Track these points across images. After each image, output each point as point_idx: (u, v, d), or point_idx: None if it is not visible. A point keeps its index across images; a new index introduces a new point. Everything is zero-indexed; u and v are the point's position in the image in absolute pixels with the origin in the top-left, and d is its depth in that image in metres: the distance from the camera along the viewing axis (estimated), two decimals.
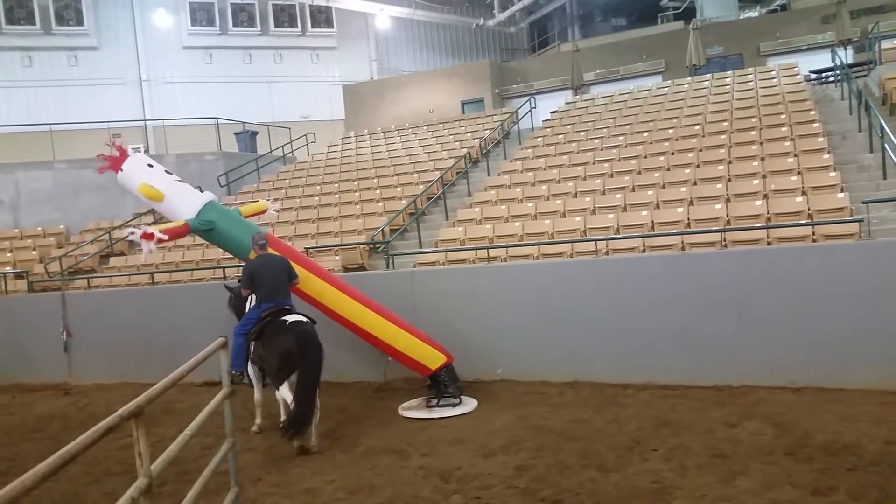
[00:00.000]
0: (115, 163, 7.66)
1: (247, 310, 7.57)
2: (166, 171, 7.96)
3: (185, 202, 7.60)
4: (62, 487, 5.98)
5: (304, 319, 6.89)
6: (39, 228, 16.80)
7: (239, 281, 7.77)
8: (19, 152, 18.96)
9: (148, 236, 6.92)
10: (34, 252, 15.41)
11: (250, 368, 7.47)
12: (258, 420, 7.53)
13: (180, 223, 7.42)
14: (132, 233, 7.01)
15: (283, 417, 7.29)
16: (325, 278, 7.96)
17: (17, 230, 16.86)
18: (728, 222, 9.30)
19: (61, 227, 16.88)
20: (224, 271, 11.37)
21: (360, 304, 7.91)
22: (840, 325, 7.15)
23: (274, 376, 6.92)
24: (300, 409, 6.49)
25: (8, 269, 14.26)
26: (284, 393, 6.79)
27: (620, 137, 13.78)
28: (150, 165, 7.85)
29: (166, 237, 7.10)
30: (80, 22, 25.71)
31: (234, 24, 27.63)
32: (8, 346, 11.67)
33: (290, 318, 6.86)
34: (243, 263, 7.73)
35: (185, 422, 3.97)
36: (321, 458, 6.44)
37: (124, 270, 13.39)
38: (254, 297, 7.32)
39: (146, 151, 23.70)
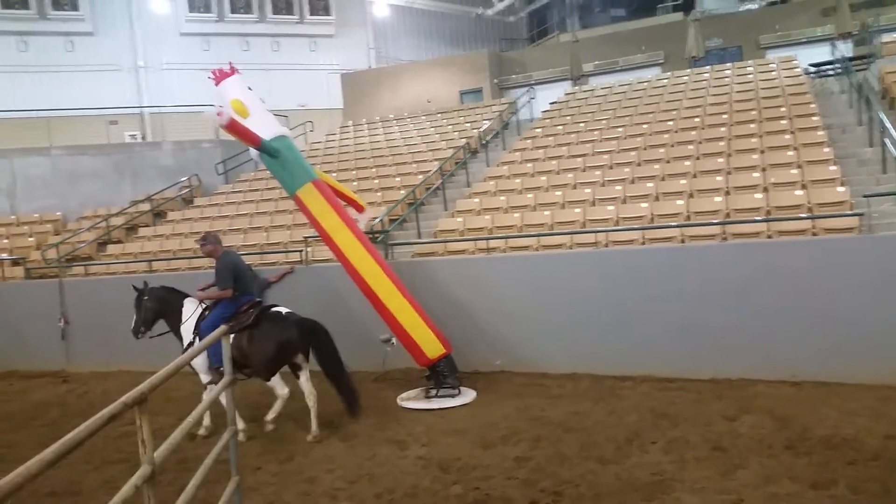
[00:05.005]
0: (220, 77, 8.39)
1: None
2: (260, 100, 8.66)
3: (265, 127, 8.15)
4: (61, 475, 5.96)
5: (294, 312, 7.10)
6: (36, 215, 16.70)
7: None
8: (15, 138, 18.75)
9: (221, 115, 7.14)
10: (31, 239, 15.32)
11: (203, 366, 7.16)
12: (242, 425, 6.82)
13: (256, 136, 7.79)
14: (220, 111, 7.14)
15: (272, 414, 7.17)
16: (355, 232, 8.21)
17: (13, 217, 16.74)
18: (728, 215, 9.29)
19: (58, 213, 16.78)
20: None
21: (379, 265, 8.08)
22: (840, 319, 7.16)
23: (264, 367, 6.79)
24: (344, 388, 7.01)
25: (4, 255, 14.19)
26: (276, 383, 6.86)
27: (620, 129, 13.73)
28: (250, 88, 8.53)
29: (237, 127, 7.30)
30: (75, 7, 25.45)
31: (232, 11, 27.41)
32: (5, 334, 11.63)
33: (283, 309, 7.02)
34: None
35: (184, 410, 3.96)
36: (321, 447, 6.43)
37: (122, 258, 13.33)
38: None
39: (143, 138, 23.63)
